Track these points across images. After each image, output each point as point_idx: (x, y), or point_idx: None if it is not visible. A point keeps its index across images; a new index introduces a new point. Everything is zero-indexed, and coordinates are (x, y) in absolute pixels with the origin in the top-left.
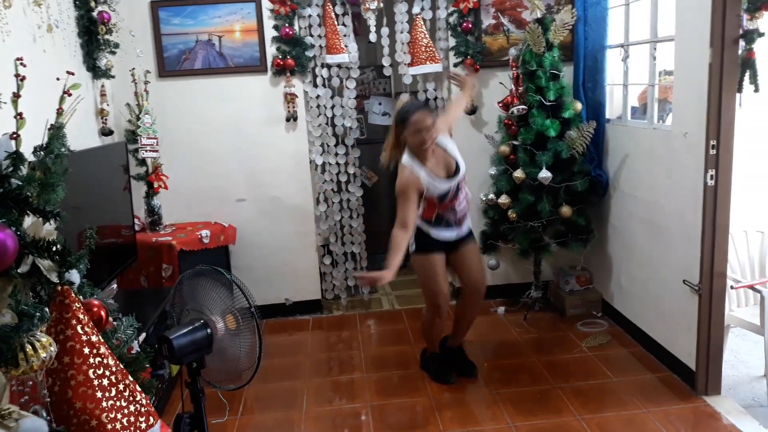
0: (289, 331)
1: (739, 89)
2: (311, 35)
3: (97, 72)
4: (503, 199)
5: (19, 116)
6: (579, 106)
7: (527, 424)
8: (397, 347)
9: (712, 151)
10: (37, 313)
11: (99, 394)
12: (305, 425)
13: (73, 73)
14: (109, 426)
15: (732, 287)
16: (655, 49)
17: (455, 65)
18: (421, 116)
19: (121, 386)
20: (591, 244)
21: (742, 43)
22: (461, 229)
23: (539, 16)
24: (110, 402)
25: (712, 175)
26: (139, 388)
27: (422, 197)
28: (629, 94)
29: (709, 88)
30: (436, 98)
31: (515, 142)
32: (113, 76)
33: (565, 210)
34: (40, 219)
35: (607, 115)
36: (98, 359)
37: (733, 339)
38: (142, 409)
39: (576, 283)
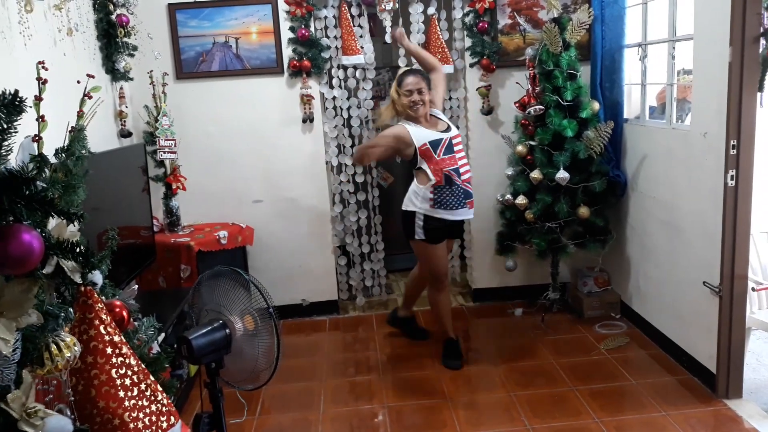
0: (306, 331)
1: (760, 88)
2: (327, 36)
3: (116, 74)
4: (520, 200)
5: (41, 119)
6: (596, 106)
7: (545, 427)
8: (414, 348)
9: (733, 151)
10: (62, 314)
11: (121, 394)
12: (322, 426)
13: (93, 76)
14: (132, 425)
15: (753, 289)
16: (673, 48)
17: (471, 65)
18: (416, 79)
19: (143, 386)
20: (609, 246)
21: (762, 41)
22: (467, 211)
23: (556, 15)
24: (132, 401)
25: (732, 176)
26: (160, 388)
27: (416, 154)
28: (647, 93)
29: (729, 87)
30: (450, 98)
31: (532, 143)
32: (132, 79)
33: (583, 211)
34: (64, 221)
35: (625, 115)
36: (120, 359)
37: (754, 342)
38: (164, 409)
39: (594, 284)
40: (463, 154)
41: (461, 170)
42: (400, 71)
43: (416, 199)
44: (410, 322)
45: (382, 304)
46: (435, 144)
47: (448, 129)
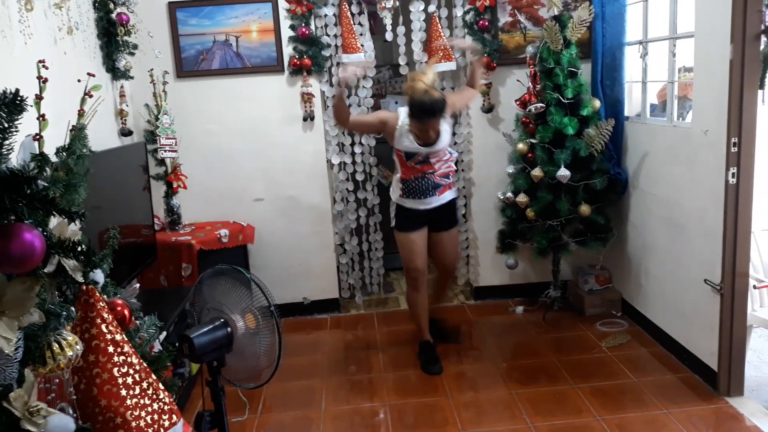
0: (307, 330)
1: (761, 86)
2: (327, 35)
3: (116, 73)
4: (521, 198)
5: (41, 118)
6: (597, 103)
7: (546, 425)
8: (414, 346)
9: (734, 149)
10: (63, 312)
11: (123, 392)
12: (324, 424)
13: (93, 75)
14: (134, 423)
15: (754, 287)
16: (674, 45)
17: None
18: (435, 122)
19: (144, 384)
20: (610, 243)
21: (763, 38)
22: (438, 198)
23: (556, 13)
24: (134, 400)
25: (733, 173)
26: (162, 387)
27: (393, 148)
28: (648, 91)
29: (729, 84)
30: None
31: (533, 141)
32: (132, 77)
33: (584, 208)
34: (65, 219)
35: (626, 113)
36: (122, 357)
37: (755, 339)
38: (165, 407)
39: (595, 282)
40: (442, 162)
41: (435, 172)
42: (421, 95)
43: (394, 189)
44: (439, 323)
45: (381, 303)
46: (409, 155)
47: (434, 143)
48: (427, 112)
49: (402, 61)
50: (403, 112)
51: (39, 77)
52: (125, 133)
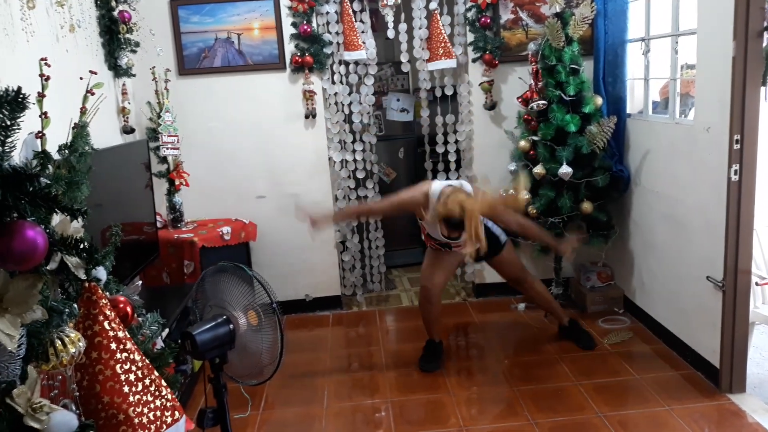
0: (309, 327)
1: (764, 83)
2: (329, 32)
3: (118, 71)
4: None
5: (44, 115)
6: (599, 100)
7: (548, 421)
8: (416, 343)
9: (736, 146)
10: (66, 310)
11: (126, 389)
12: (326, 421)
13: (95, 73)
14: (136, 420)
15: (757, 284)
16: (676, 42)
17: (473, 60)
18: (453, 230)
19: (147, 381)
20: (612, 240)
21: (766, 35)
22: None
23: (558, 10)
24: (137, 396)
25: (736, 170)
26: (164, 383)
27: (421, 217)
28: (650, 88)
29: (732, 81)
30: (454, 93)
31: (535, 138)
32: (134, 75)
33: (586, 206)
34: (68, 217)
35: (628, 110)
36: (125, 354)
37: (757, 336)
38: (168, 404)
39: (597, 279)
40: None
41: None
42: (456, 215)
43: (421, 226)
44: (572, 327)
45: (383, 300)
46: (431, 236)
47: (457, 237)
48: (457, 227)
49: (404, 58)
50: (435, 194)
51: (41, 75)
52: (127, 130)
